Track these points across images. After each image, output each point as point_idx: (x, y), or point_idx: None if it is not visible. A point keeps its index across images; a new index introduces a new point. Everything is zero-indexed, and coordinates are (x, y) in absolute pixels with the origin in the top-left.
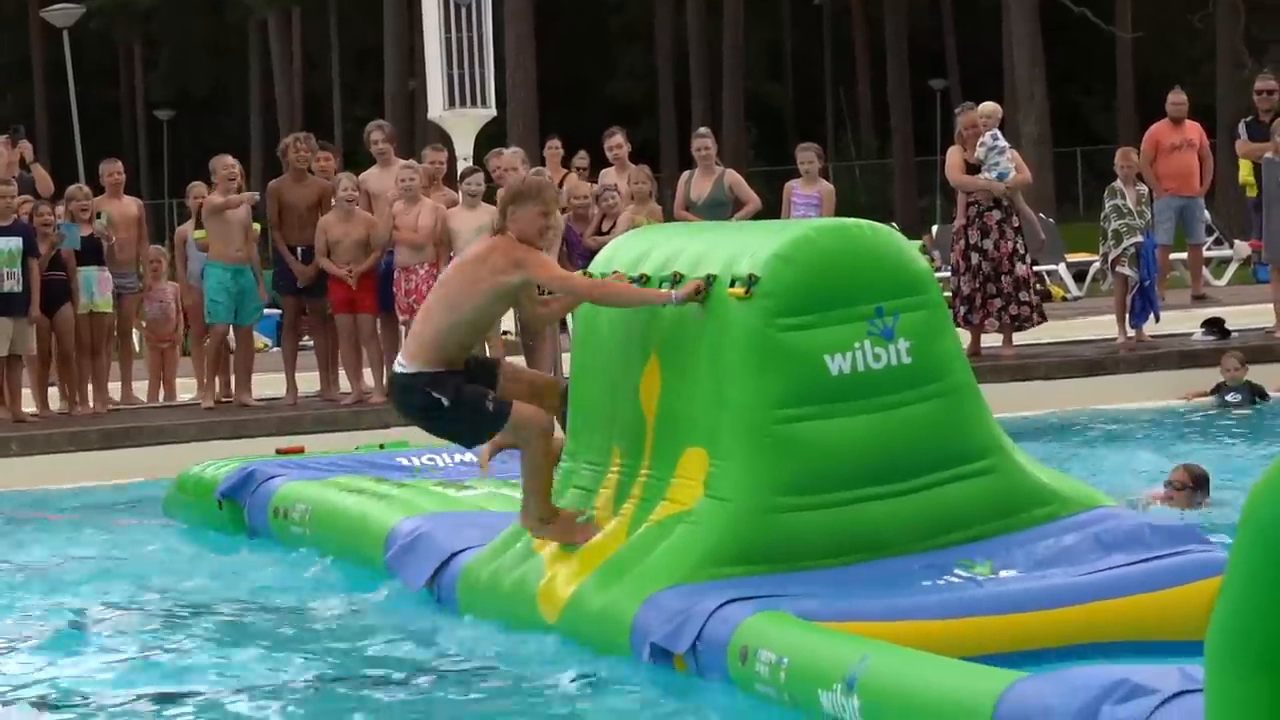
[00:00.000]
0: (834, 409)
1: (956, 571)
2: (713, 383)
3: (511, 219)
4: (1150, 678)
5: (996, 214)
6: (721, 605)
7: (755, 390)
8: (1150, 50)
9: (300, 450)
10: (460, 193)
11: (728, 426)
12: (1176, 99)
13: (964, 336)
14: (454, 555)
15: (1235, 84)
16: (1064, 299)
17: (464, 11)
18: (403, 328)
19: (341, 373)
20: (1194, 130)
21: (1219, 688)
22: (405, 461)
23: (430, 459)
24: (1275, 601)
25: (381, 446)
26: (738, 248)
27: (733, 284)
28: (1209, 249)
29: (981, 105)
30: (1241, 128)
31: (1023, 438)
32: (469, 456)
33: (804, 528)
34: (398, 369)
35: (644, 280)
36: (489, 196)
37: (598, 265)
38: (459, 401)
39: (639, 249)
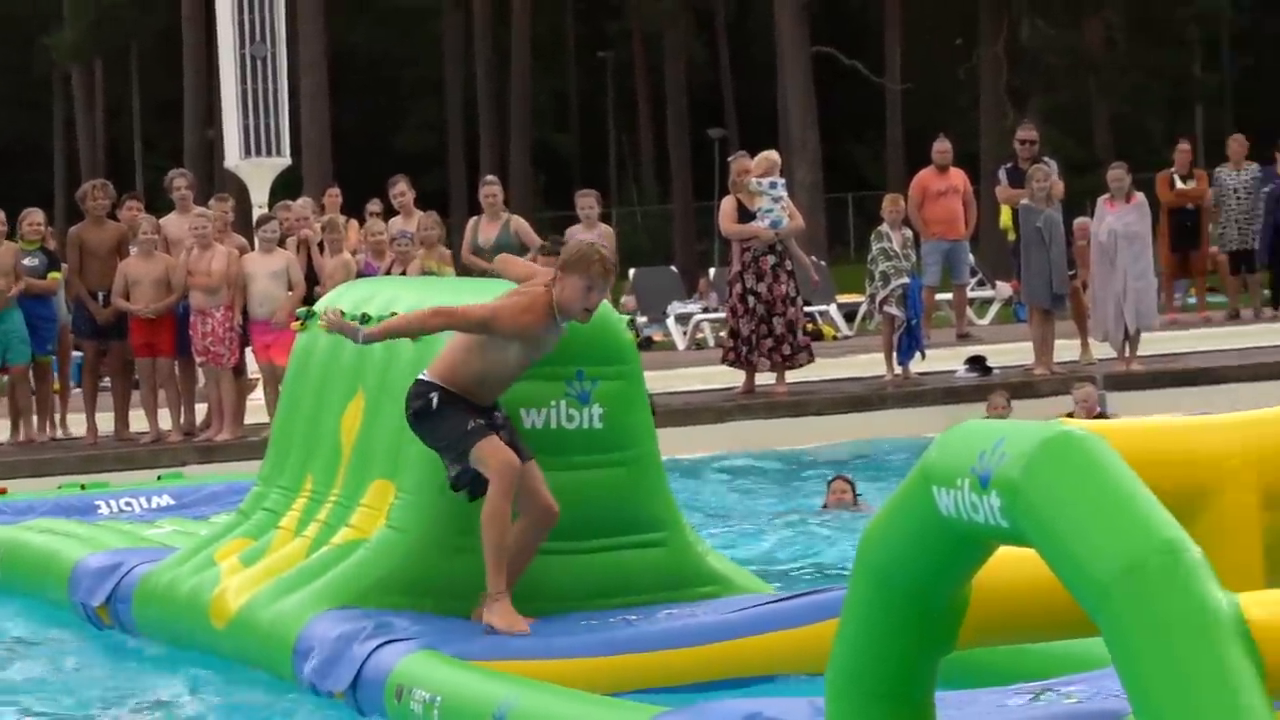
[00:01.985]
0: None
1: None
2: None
3: (559, 282)
4: (780, 710)
5: (770, 259)
6: (380, 645)
7: None
8: (918, 101)
9: (2, 491)
10: (256, 238)
11: (414, 463)
12: (941, 147)
13: (739, 376)
14: (132, 569)
15: (998, 133)
16: (835, 338)
17: (259, 64)
18: (199, 370)
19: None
20: (958, 177)
21: (839, 717)
22: (102, 506)
23: (128, 503)
24: (885, 636)
25: (83, 487)
26: (456, 300)
27: None
28: (973, 290)
29: (764, 153)
30: (1002, 174)
31: (799, 471)
32: (164, 500)
33: (476, 570)
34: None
35: (365, 319)
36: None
37: (326, 303)
38: (444, 407)
39: (370, 291)
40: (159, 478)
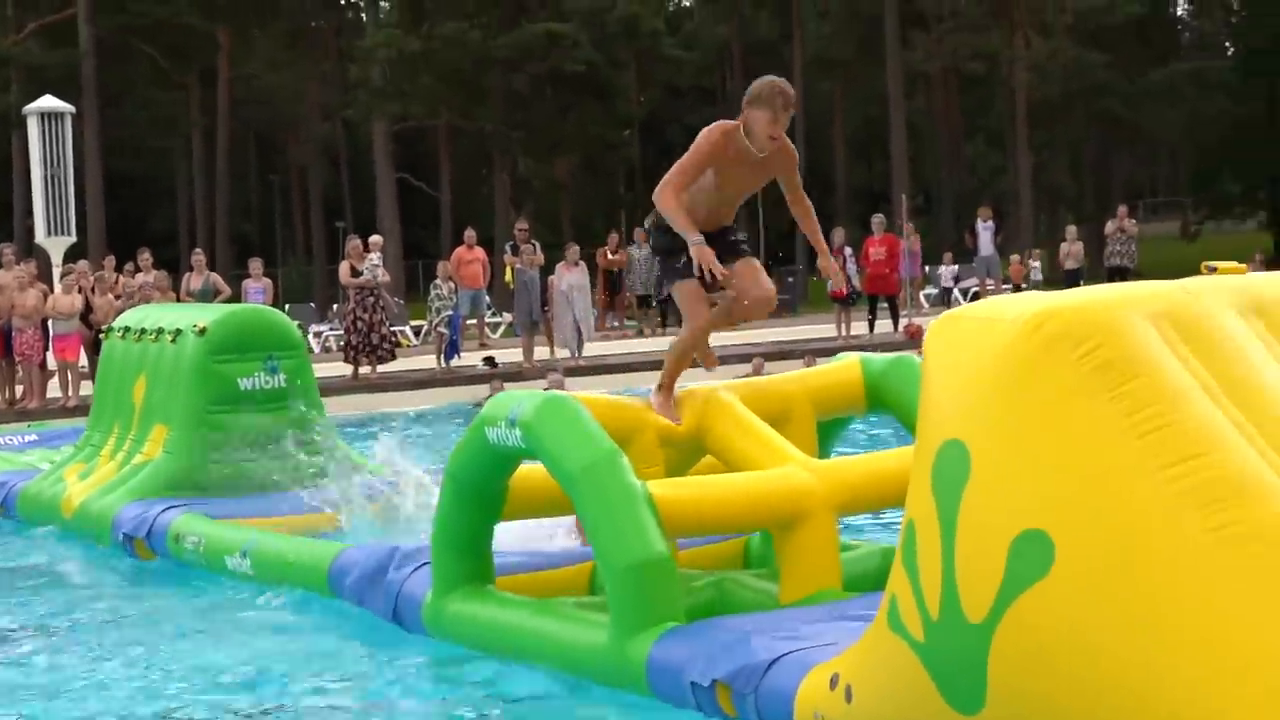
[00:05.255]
0: (240, 409)
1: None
2: (175, 388)
3: (745, 114)
4: (416, 552)
5: (371, 299)
6: (163, 510)
7: (197, 394)
8: (460, 203)
9: None
10: (58, 284)
11: (179, 413)
12: (470, 235)
13: (348, 369)
14: (17, 484)
15: (506, 225)
16: (408, 346)
17: (56, 179)
18: (19, 369)
19: None
20: (480, 251)
21: (439, 565)
22: None
23: (7, 440)
24: (460, 513)
25: None
26: (198, 316)
27: (195, 329)
28: (489, 318)
29: (374, 237)
30: (508, 249)
31: (389, 426)
32: (31, 437)
33: (216, 474)
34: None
35: (143, 333)
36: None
37: (120, 323)
38: (660, 237)
39: (144, 315)
40: (28, 426)
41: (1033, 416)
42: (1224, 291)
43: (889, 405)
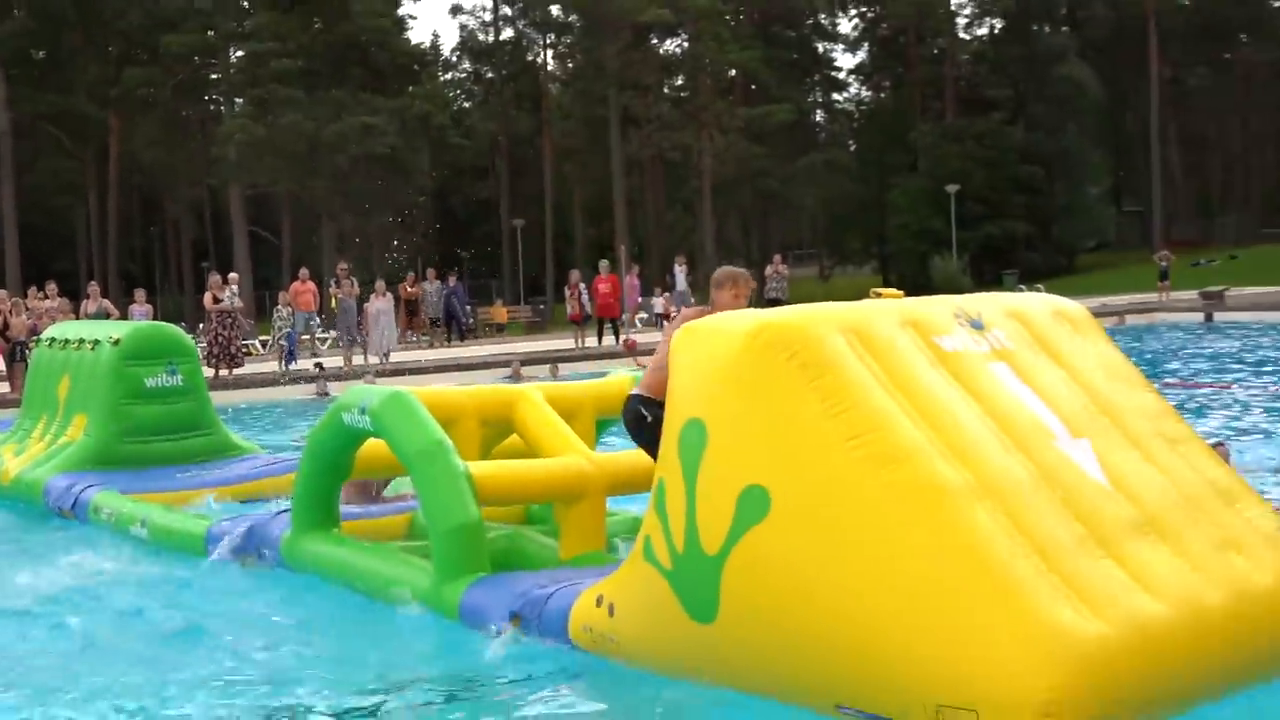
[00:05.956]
0: (147, 402)
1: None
2: (94, 385)
3: (714, 298)
4: (276, 514)
5: (229, 320)
6: (85, 488)
7: (111, 390)
8: (296, 249)
9: None
10: None
11: (96, 404)
12: (303, 271)
13: (210, 372)
14: None
15: (331, 264)
16: (257, 354)
17: None
18: None
19: None
20: (311, 284)
21: (298, 512)
22: None
23: None
24: (316, 476)
25: None
26: (112, 329)
27: (110, 339)
28: (319, 334)
29: (233, 274)
30: (333, 281)
31: (239, 417)
32: None
33: (126, 452)
34: (632, 393)
35: (66, 342)
36: None
37: (47, 335)
38: (656, 422)
39: (65, 329)
40: None
41: (754, 401)
42: (889, 310)
43: None
